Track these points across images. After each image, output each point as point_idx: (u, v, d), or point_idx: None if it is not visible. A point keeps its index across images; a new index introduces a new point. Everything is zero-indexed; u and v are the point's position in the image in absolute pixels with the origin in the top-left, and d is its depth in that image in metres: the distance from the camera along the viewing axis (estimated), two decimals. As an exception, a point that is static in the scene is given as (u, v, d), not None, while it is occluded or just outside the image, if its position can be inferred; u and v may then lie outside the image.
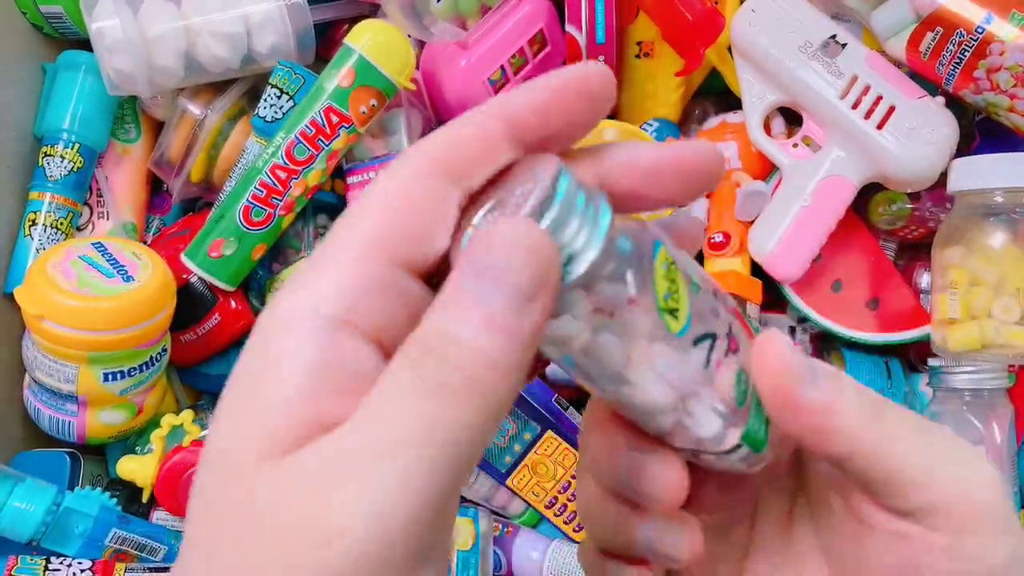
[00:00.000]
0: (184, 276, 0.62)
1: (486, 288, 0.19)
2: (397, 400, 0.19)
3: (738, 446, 0.25)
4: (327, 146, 0.59)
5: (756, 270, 0.62)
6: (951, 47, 0.56)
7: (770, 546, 0.29)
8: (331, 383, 0.20)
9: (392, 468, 0.18)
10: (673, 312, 0.22)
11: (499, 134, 0.22)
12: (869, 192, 0.63)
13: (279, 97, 0.61)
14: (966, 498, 0.24)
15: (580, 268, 0.20)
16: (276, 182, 0.59)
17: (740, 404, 0.24)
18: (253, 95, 0.65)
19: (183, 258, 0.61)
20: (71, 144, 0.64)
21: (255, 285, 0.66)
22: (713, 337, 0.23)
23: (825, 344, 0.67)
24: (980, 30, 0.55)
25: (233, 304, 0.63)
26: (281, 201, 0.60)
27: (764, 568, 0.29)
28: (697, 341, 0.23)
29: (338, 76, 0.58)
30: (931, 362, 0.60)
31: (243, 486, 0.19)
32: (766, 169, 0.64)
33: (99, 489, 0.58)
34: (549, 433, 0.58)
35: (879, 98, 0.58)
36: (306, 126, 0.58)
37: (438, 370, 0.19)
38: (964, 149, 0.60)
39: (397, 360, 0.19)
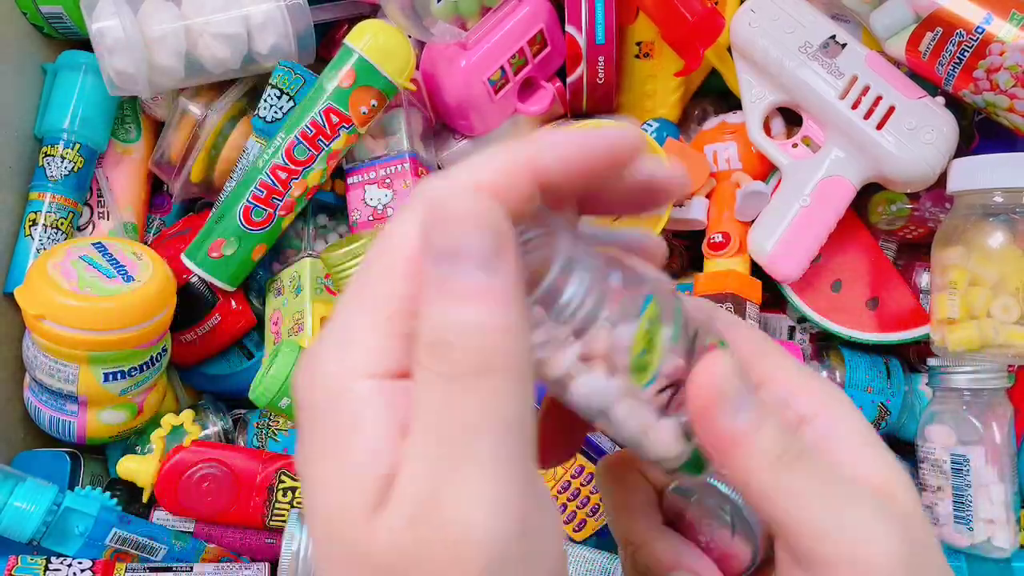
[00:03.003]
0: (184, 276, 0.62)
1: (447, 267, 0.19)
2: (433, 407, 0.19)
3: (677, 470, 0.27)
4: (327, 146, 0.59)
5: (756, 270, 0.63)
6: (951, 47, 0.56)
7: None
8: (406, 428, 0.20)
9: (472, 465, 0.19)
10: (644, 368, 0.24)
11: (519, 181, 0.21)
12: (869, 192, 0.63)
13: (279, 97, 0.61)
14: (861, 557, 0.24)
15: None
16: (276, 182, 0.59)
17: (687, 439, 0.26)
18: (253, 95, 0.65)
19: (183, 258, 0.61)
20: (71, 144, 0.64)
21: (255, 285, 0.66)
22: (676, 386, 0.25)
23: (824, 344, 0.67)
24: (980, 30, 0.55)
25: (233, 304, 0.64)
26: (281, 201, 0.60)
27: None
28: (661, 391, 0.25)
29: (338, 76, 0.58)
30: (930, 362, 0.60)
31: (364, 541, 0.19)
32: (766, 169, 0.64)
33: (99, 489, 0.58)
34: (549, 433, 0.58)
35: (879, 98, 0.58)
36: (306, 126, 0.59)
37: (446, 359, 0.19)
38: (964, 149, 0.60)
39: (415, 374, 0.20)
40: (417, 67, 0.64)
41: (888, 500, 0.25)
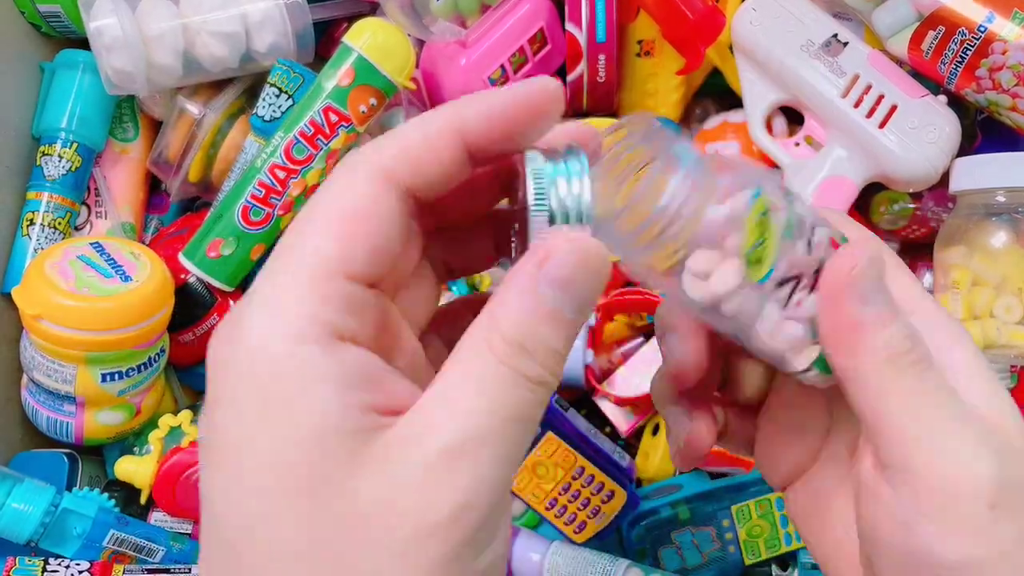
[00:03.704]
0: (182, 276, 0.62)
1: (553, 292, 0.22)
2: (496, 389, 0.21)
3: (807, 370, 0.27)
4: (326, 145, 0.59)
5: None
6: (953, 46, 0.56)
7: (835, 462, 0.30)
8: (357, 384, 0.21)
9: (501, 445, 0.21)
10: (758, 261, 0.24)
11: (446, 142, 0.23)
12: (871, 192, 0.62)
13: (278, 96, 0.61)
14: (951, 475, 0.23)
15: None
16: (275, 182, 0.59)
17: (813, 336, 0.26)
18: (252, 94, 0.65)
19: (181, 258, 0.61)
20: (69, 143, 0.64)
21: (254, 285, 0.66)
22: (796, 280, 0.25)
23: (826, 344, 0.67)
24: (982, 29, 0.54)
25: (232, 304, 0.63)
26: (280, 201, 0.59)
27: (827, 480, 0.30)
28: (780, 284, 0.25)
29: (337, 75, 0.58)
30: (933, 362, 0.60)
31: (335, 488, 0.20)
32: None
33: (97, 490, 0.58)
34: (549, 434, 0.58)
35: (881, 97, 0.58)
36: (305, 125, 0.58)
37: (528, 365, 0.21)
38: (966, 148, 0.60)
39: (480, 353, 0.21)
40: (417, 66, 0.63)
41: (996, 431, 0.24)
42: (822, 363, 0.26)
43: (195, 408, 0.64)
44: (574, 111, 0.65)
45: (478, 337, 0.22)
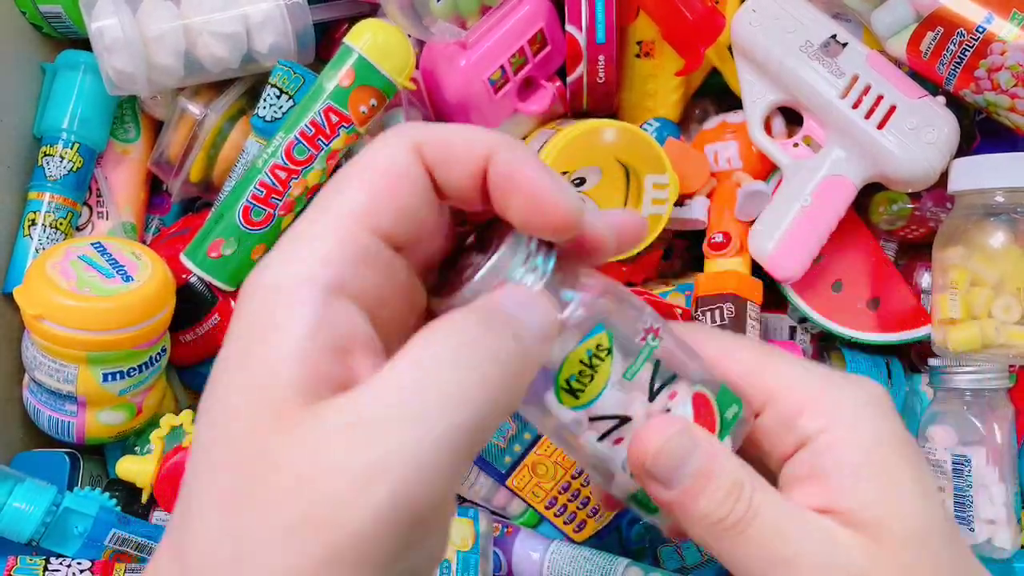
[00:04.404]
0: (183, 276, 0.62)
1: (518, 312, 0.22)
2: (433, 366, 0.20)
3: (628, 502, 0.28)
4: (327, 146, 0.59)
5: (757, 270, 0.62)
6: (952, 47, 0.56)
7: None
8: (331, 345, 0.20)
9: (422, 425, 0.19)
10: (573, 392, 0.25)
11: (479, 163, 0.23)
12: (870, 192, 0.62)
13: (279, 97, 0.61)
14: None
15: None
16: (276, 182, 0.59)
17: (632, 476, 0.27)
18: (253, 95, 0.65)
19: (182, 258, 0.61)
20: (71, 144, 0.64)
21: (255, 285, 0.66)
22: (620, 420, 0.26)
23: (825, 344, 0.67)
24: (981, 30, 0.54)
25: (233, 304, 0.63)
26: (281, 201, 0.59)
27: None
28: (594, 419, 0.25)
29: (338, 76, 0.58)
30: (932, 362, 0.60)
31: (258, 442, 0.19)
32: (766, 169, 0.64)
33: (98, 489, 0.58)
34: (549, 433, 0.58)
35: (880, 98, 0.58)
36: (306, 126, 0.58)
37: (500, 335, 0.21)
38: (965, 149, 0.60)
39: (451, 319, 0.21)
40: (417, 66, 0.63)
41: (852, 543, 0.25)
42: (640, 501, 0.27)
43: (196, 408, 0.64)
44: (574, 112, 0.65)
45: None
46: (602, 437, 0.26)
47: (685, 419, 0.26)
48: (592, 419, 0.25)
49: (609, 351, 0.25)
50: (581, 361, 0.24)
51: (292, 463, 0.19)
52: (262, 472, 0.19)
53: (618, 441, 0.26)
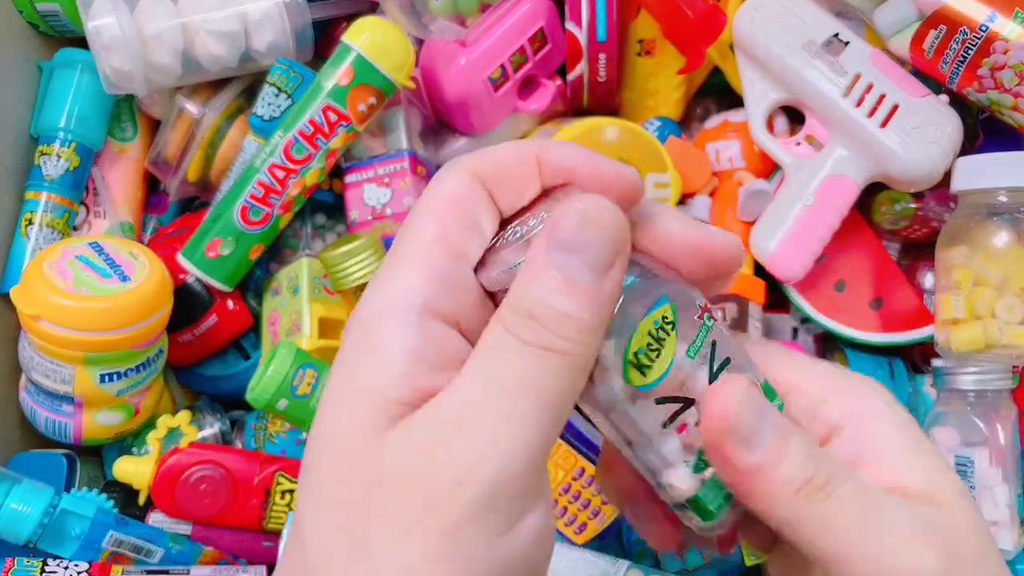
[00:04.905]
0: (181, 276, 0.61)
1: (569, 259, 0.22)
2: (500, 358, 0.22)
3: (684, 507, 0.26)
4: (325, 145, 0.59)
5: (759, 270, 0.62)
6: (955, 45, 0.55)
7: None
8: (429, 362, 0.22)
9: (508, 413, 0.21)
10: (641, 368, 0.24)
11: (533, 168, 0.25)
12: (872, 191, 0.62)
13: (277, 95, 0.61)
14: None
15: None
16: (274, 181, 0.59)
17: (696, 470, 0.25)
18: (251, 93, 0.65)
19: (180, 258, 0.60)
20: (68, 143, 0.63)
21: (252, 285, 0.66)
22: (685, 403, 0.24)
23: (828, 345, 0.66)
24: (984, 28, 0.54)
25: (230, 304, 0.63)
26: (279, 200, 0.59)
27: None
28: (661, 401, 0.24)
29: (336, 74, 0.58)
30: (935, 363, 0.60)
31: (370, 455, 0.21)
32: (769, 168, 0.64)
33: (96, 491, 0.58)
34: (549, 434, 0.57)
35: (882, 96, 0.57)
36: (304, 125, 0.58)
37: (533, 332, 0.22)
38: (968, 148, 0.60)
39: (493, 328, 0.22)
40: (416, 65, 0.63)
41: (931, 510, 0.24)
42: (698, 505, 0.25)
43: (193, 408, 0.64)
44: (575, 110, 0.65)
45: (495, 315, 0.23)
46: (667, 422, 0.24)
47: (748, 379, 0.24)
48: (658, 401, 0.24)
49: (673, 325, 0.24)
50: (649, 333, 0.23)
51: (406, 468, 0.21)
52: (384, 483, 0.21)
53: (682, 428, 0.25)
